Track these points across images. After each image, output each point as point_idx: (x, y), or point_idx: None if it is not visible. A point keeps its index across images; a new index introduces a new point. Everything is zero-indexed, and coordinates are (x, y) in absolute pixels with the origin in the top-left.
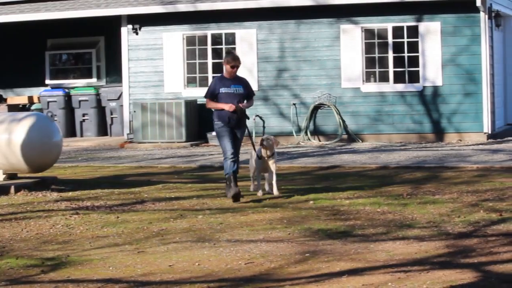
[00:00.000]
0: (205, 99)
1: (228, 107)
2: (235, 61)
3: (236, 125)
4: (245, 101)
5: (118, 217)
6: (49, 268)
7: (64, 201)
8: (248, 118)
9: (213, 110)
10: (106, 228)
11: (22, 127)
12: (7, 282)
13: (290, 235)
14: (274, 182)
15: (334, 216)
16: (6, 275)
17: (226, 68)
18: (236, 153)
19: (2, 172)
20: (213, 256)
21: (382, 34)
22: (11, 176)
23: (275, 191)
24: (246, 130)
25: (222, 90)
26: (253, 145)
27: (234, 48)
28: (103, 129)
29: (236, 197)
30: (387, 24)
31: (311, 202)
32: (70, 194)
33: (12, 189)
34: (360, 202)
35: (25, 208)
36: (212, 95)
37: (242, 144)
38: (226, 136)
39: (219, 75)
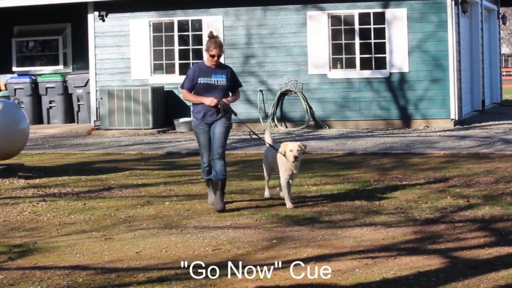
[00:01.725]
0: (181, 89)
1: (209, 101)
2: (217, 50)
3: (214, 120)
4: (230, 94)
5: (85, 204)
6: (17, 255)
7: (31, 188)
8: (235, 115)
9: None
10: (73, 215)
11: None
12: None
13: (257, 222)
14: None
15: (301, 202)
16: None
17: (207, 56)
18: (212, 152)
19: None
20: (180, 243)
21: (348, 21)
22: None
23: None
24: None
25: (201, 80)
26: (256, 135)
27: (201, 35)
28: (70, 116)
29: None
30: (354, 11)
31: (278, 188)
32: (37, 181)
33: None
34: (327, 188)
35: None
36: (190, 86)
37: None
38: (202, 138)
39: (199, 61)
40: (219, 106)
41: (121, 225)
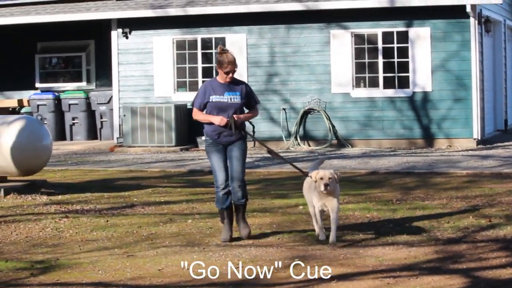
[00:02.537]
0: (193, 109)
1: (218, 120)
2: (230, 65)
3: (230, 142)
4: (246, 111)
5: (107, 220)
6: (39, 271)
7: (54, 204)
8: (245, 133)
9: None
10: (96, 231)
11: (11, 130)
12: None
13: (279, 240)
14: (332, 224)
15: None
16: None
17: (219, 73)
18: (228, 178)
19: None
20: (202, 261)
21: (372, 39)
22: (0, 179)
23: (332, 237)
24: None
25: (213, 98)
26: (276, 154)
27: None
28: (93, 132)
29: (226, 241)
30: (377, 29)
31: (301, 207)
32: (59, 197)
33: (2, 192)
34: (349, 207)
35: (14, 211)
36: (201, 105)
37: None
38: (216, 159)
39: (211, 79)
40: (228, 125)
41: (143, 242)
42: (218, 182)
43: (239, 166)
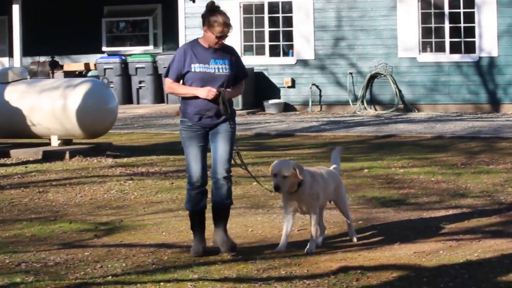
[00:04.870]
0: (165, 80)
1: (205, 92)
2: (224, 27)
3: (215, 124)
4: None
5: (172, 183)
6: (103, 233)
7: (119, 167)
8: (228, 115)
9: (179, 98)
10: (160, 194)
11: (77, 93)
12: (59, 246)
13: None
14: (312, 230)
15: (388, 184)
16: (59, 239)
17: (206, 35)
18: (205, 174)
19: (57, 137)
20: (266, 223)
21: (438, 4)
22: (66, 141)
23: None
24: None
25: (196, 67)
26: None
27: (291, 17)
28: (159, 96)
29: (199, 254)
30: None
31: (366, 170)
32: (125, 160)
33: (67, 155)
34: (414, 171)
35: (79, 174)
36: (177, 75)
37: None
38: (193, 147)
39: (190, 42)
40: (218, 99)
41: (207, 204)
42: (192, 178)
43: (225, 155)
